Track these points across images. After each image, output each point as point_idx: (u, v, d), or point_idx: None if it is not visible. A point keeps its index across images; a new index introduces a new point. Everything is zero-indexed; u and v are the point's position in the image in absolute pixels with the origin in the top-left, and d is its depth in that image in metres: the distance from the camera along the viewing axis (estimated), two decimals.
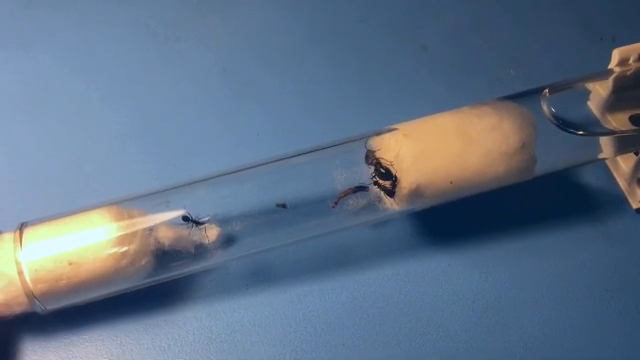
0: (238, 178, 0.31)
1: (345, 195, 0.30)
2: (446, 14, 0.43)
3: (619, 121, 0.32)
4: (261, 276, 0.32)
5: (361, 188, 0.30)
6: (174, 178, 0.31)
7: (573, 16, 0.42)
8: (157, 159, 0.36)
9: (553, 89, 0.31)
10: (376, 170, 0.30)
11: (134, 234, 0.28)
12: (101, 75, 0.39)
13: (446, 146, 0.29)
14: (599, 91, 0.33)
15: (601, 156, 0.32)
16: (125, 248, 0.28)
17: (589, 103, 0.34)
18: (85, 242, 0.28)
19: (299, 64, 0.41)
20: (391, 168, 0.29)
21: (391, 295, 0.32)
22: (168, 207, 0.29)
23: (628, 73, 0.32)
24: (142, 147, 0.36)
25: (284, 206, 0.30)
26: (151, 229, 0.29)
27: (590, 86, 0.33)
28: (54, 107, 0.38)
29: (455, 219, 0.33)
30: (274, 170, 0.31)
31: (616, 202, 0.34)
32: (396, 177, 0.29)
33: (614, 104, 0.33)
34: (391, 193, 0.30)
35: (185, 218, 0.29)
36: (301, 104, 0.39)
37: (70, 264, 0.28)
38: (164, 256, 0.29)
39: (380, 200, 0.30)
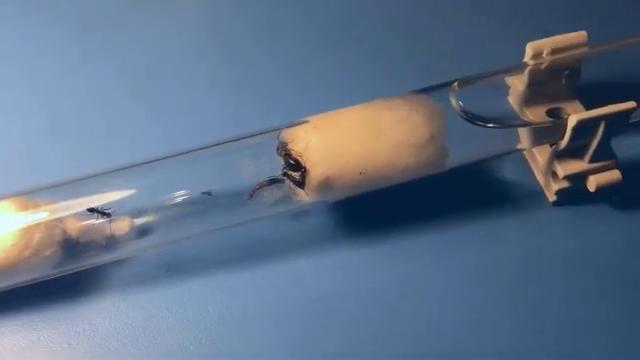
0: (152, 169, 0.31)
1: (261, 187, 0.31)
2: (381, 7, 0.43)
3: (536, 114, 0.33)
4: (180, 264, 0.32)
5: (276, 180, 0.31)
6: (88, 169, 0.31)
7: (507, 11, 0.43)
8: (73, 151, 0.36)
9: (463, 82, 0.31)
10: (286, 161, 0.30)
11: (38, 225, 0.28)
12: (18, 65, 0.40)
13: (356, 138, 0.30)
14: (517, 85, 0.33)
15: (519, 147, 0.33)
16: (29, 239, 0.28)
17: (509, 97, 0.34)
18: None
19: (232, 58, 0.41)
20: (300, 159, 0.29)
21: (310, 285, 0.32)
22: (78, 198, 0.29)
23: (542, 67, 0.32)
24: (57, 139, 0.37)
25: (209, 194, 0.30)
26: (60, 220, 0.29)
27: (509, 80, 0.34)
28: None
29: (377, 211, 0.34)
30: (192, 160, 0.31)
31: (534, 195, 0.34)
32: (305, 168, 0.29)
33: (531, 97, 0.33)
34: (300, 184, 0.30)
35: (91, 210, 0.29)
36: (233, 97, 0.39)
37: None
38: (74, 247, 0.29)
39: (294, 192, 0.31)
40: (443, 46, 0.41)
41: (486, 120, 0.31)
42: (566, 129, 0.30)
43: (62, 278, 0.30)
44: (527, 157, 0.35)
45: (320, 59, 0.41)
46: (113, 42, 0.42)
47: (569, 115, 0.30)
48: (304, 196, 0.30)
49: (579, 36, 0.32)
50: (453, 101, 0.30)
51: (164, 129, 0.38)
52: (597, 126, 0.30)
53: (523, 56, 0.33)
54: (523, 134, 0.33)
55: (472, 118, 0.30)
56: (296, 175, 0.30)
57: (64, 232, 0.29)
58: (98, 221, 0.29)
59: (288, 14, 0.43)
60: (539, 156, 0.33)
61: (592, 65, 0.33)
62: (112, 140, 0.37)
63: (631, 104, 0.30)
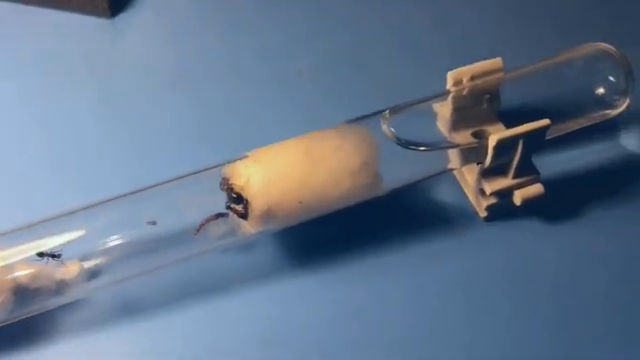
0: (98, 211, 0.32)
1: (207, 222, 0.32)
2: (322, 41, 0.45)
3: (463, 137, 0.35)
4: (130, 305, 0.33)
5: (221, 214, 0.32)
6: (34, 213, 0.32)
7: (444, 40, 0.45)
8: (21, 195, 0.37)
9: (393, 110, 0.33)
10: (229, 195, 0.31)
11: None
12: None
13: (293, 168, 0.31)
14: (443, 111, 0.35)
15: (450, 166, 0.35)
16: None
17: (437, 123, 0.36)
18: None
19: (178, 95, 0.42)
20: (242, 192, 0.31)
21: (260, 316, 0.33)
22: (27, 243, 0.30)
23: (464, 93, 0.34)
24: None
25: (154, 223, 0.31)
26: (10, 267, 0.30)
27: (436, 108, 0.36)
28: None
29: (321, 238, 0.35)
30: (138, 199, 0.32)
31: (468, 214, 0.36)
32: (247, 201, 0.31)
33: (457, 122, 0.35)
34: (244, 216, 0.31)
35: (40, 254, 0.29)
36: (174, 133, 0.40)
37: None
38: (25, 293, 0.30)
39: (238, 224, 0.32)
40: (378, 77, 0.43)
41: (417, 144, 0.33)
42: (488, 148, 0.32)
43: (13, 324, 0.31)
44: (458, 178, 0.37)
45: (261, 93, 0.42)
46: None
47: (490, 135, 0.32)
48: (248, 228, 0.32)
49: (495, 62, 0.34)
50: (385, 128, 0.32)
51: (111, 170, 0.38)
52: (516, 144, 0.32)
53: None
54: (453, 156, 0.35)
55: (404, 143, 0.32)
56: (239, 208, 0.31)
57: (14, 278, 0.29)
58: (47, 265, 0.30)
59: (225, 49, 0.45)
60: (468, 176, 0.36)
61: (512, 89, 0.35)
62: (57, 182, 0.38)
63: (545, 122, 0.32)
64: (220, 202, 0.32)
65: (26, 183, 0.38)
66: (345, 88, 0.43)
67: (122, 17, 0.47)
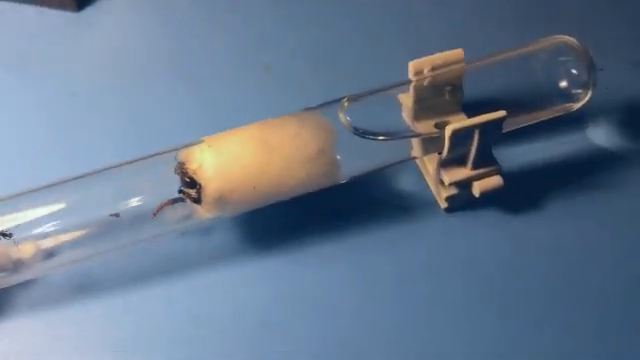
0: (55, 191, 0.32)
1: (164, 206, 0.32)
2: (289, 36, 0.45)
3: (426, 127, 0.35)
4: (88, 284, 0.33)
5: (179, 199, 0.32)
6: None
7: (409, 35, 0.45)
8: None
9: (352, 99, 0.33)
10: (182, 180, 0.31)
11: None
12: None
13: (248, 154, 0.31)
14: (406, 101, 0.35)
15: (412, 155, 0.35)
16: None
17: (402, 114, 0.36)
18: None
19: (140, 84, 0.42)
20: (195, 177, 0.31)
21: (219, 300, 0.33)
22: None
23: (425, 83, 0.34)
24: None
25: (117, 215, 0.31)
26: None
27: (400, 98, 0.36)
28: None
29: (280, 224, 0.35)
30: (96, 181, 0.33)
31: (428, 203, 0.36)
32: (200, 185, 0.31)
33: (420, 112, 0.35)
34: (197, 200, 0.31)
35: None
36: (140, 123, 0.40)
37: None
38: None
39: (193, 209, 0.32)
40: (345, 68, 0.43)
41: (375, 134, 0.33)
42: (445, 138, 0.32)
43: None
44: (420, 167, 0.37)
45: (229, 86, 0.42)
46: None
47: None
48: (203, 212, 0.32)
49: (456, 53, 0.34)
50: (341, 116, 0.33)
51: (68, 151, 0.39)
52: (472, 134, 0.32)
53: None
54: (415, 145, 0.35)
55: (361, 132, 0.32)
56: (192, 192, 0.31)
57: None
58: (3, 245, 0.30)
59: (195, 42, 0.45)
60: (430, 166, 0.36)
61: (476, 80, 0.35)
62: (16, 162, 0.38)
63: (501, 113, 0.32)
64: (176, 187, 0.32)
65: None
66: (311, 82, 0.43)
67: (88, 11, 0.47)
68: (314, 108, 0.34)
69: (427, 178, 0.37)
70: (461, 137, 0.32)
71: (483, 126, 0.32)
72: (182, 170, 0.31)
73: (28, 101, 0.42)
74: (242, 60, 0.44)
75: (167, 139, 0.38)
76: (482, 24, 0.45)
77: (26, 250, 0.31)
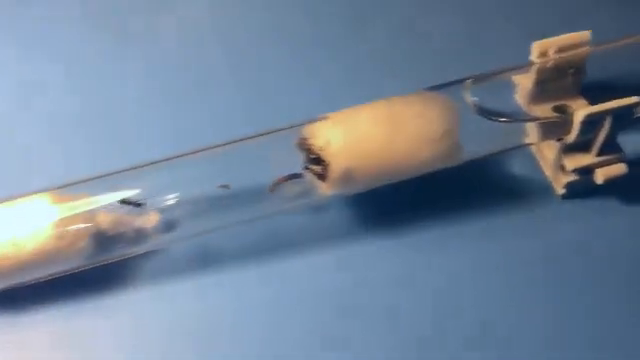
0: (179, 164, 0.32)
1: (282, 181, 0.32)
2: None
3: (543, 111, 0.34)
4: (206, 259, 0.34)
5: (296, 175, 0.32)
6: (120, 163, 0.32)
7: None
8: (105, 146, 0.38)
9: (477, 79, 0.33)
10: (307, 156, 0.31)
11: (73, 217, 0.29)
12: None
13: (374, 132, 0.31)
14: (524, 83, 0.35)
15: (527, 141, 0.34)
16: (63, 230, 0.29)
17: (516, 96, 0.35)
18: (28, 224, 0.29)
19: (252, 56, 0.42)
20: (321, 154, 0.31)
21: (331, 279, 0.33)
22: (110, 191, 0.31)
23: (548, 65, 0.33)
24: (89, 135, 0.38)
25: (227, 187, 0.31)
26: (92, 212, 0.30)
27: (516, 79, 0.35)
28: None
29: (390, 205, 0.35)
30: (216, 156, 0.32)
31: (543, 189, 0.36)
32: (326, 162, 0.31)
33: (538, 95, 0.34)
34: (322, 177, 0.31)
35: (123, 201, 0.30)
36: (253, 94, 0.40)
37: (14, 245, 0.29)
38: (105, 239, 0.31)
39: (315, 185, 0.32)
40: (451, 47, 0.42)
41: (498, 115, 0.32)
42: (573, 124, 0.31)
43: (93, 270, 0.31)
44: (535, 153, 0.36)
45: (339, 56, 0.42)
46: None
47: (575, 110, 0.32)
48: (325, 189, 0.32)
49: (583, 35, 0.33)
50: (467, 97, 0.32)
51: (188, 126, 0.39)
52: (603, 120, 0.31)
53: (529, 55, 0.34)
54: (532, 130, 0.34)
55: (486, 113, 0.32)
56: (317, 169, 0.31)
57: (96, 224, 0.30)
58: (128, 214, 0.30)
59: (299, 16, 0.44)
60: (546, 151, 0.35)
61: (596, 63, 0.34)
62: (138, 137, 0.38)
63: (635, 99, 0.31)
64: (295, 163, 0.32)
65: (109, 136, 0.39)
66: (422, 65, 0.42)
67: None
68: (434, 88, 0.33)
69: (542, 163, 0.36)
70: (592, 122, 0.31)
71: (615, 112, 0.31)
72: (308, 146, 0.31)
73: (138, 68, 0.42)
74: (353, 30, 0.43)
75: (276, 114, 0.38)
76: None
77: (150, 219, 0.31)
